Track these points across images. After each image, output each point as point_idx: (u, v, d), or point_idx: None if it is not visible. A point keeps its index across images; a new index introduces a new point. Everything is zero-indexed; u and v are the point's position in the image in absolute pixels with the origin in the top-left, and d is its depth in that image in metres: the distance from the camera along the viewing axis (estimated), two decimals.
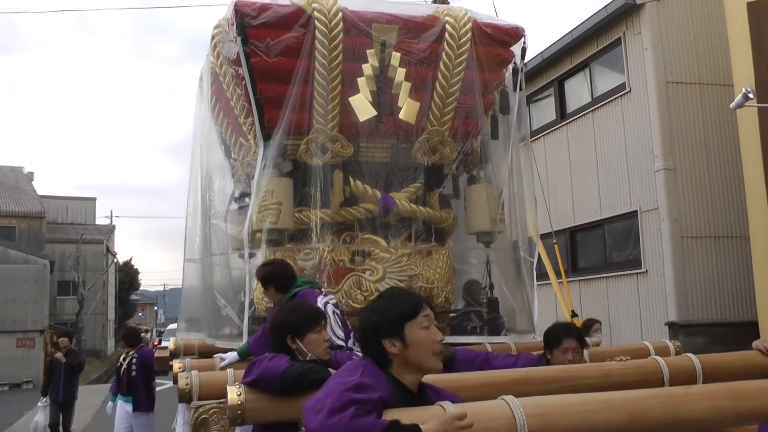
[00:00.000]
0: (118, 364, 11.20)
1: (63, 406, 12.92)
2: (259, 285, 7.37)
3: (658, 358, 4.75)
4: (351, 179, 7.45)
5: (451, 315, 7.85)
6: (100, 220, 55.88)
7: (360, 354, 4.85)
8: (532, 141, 7.90)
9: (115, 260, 55.53)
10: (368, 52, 7.51)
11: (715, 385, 3.67)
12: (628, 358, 4.97)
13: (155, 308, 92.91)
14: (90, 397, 19.93)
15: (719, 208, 13.05)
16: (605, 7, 14.44)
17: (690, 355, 4.86)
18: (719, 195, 13.01)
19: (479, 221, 8.00)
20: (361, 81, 7.45)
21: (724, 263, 12.84)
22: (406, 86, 7.58)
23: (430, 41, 7.63)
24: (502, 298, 7.94)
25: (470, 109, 7.83)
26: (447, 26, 7.66)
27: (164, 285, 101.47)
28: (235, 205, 8.03)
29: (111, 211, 70.21)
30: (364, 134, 7.53)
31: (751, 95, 8.58)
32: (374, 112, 7.46)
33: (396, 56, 7.56)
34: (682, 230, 13.09)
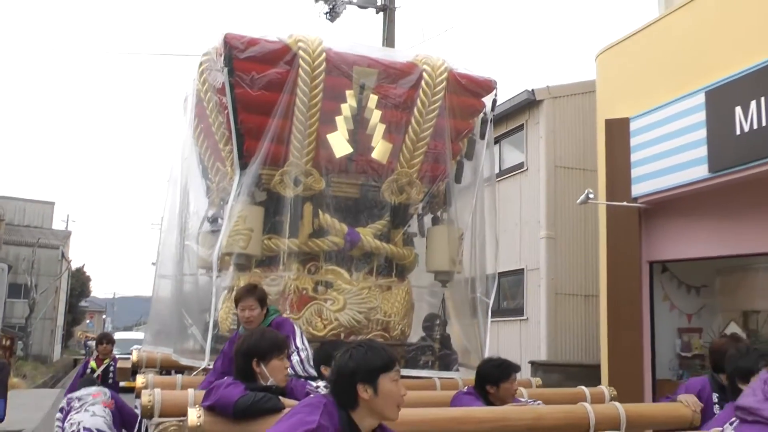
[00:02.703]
0: (88, 369, 10.90)
1: None
2: (224, 306, 7.68)
3: (586, 404, 5.11)
4: (320, 212, 7.75)
5: (407, 348, 8.15)
6: (57, 224, 55.51)
7: (313, 384, 5.16)
8: None
9: (69, 267, 55.05)
10: (347, 92, 7.87)
11: None
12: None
13: (103, 316, 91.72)
14: (40, 399, 20.15)
15: (590, 271, 14.98)
16: (512, 98, 16.77)
17: (616, 403, 5.26)
18: (591, 261, 14.80)
19: (439, 261, 8.36)
20: (338, 119, 7.80)
21: (589, 316, 14.99)
22: (381, 128, 7.94)
23: (406, 87, 8.00)
24: (457, 334, 8.28)
25: (439, 153, 8.21)
26: (424, 74, 8.02)
27: (114, 293, 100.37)
28: (207, 227, 8.28)
29: (68, 216, 69.55)
30: (337, 170, 7.89)
31: (591, 195, 10.67)
32: (351, 149, 7.81)
33: (373, 99, 7.93)
34: (557, 288, 15.63)
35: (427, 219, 8.67)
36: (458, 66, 8.38)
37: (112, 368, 10.71)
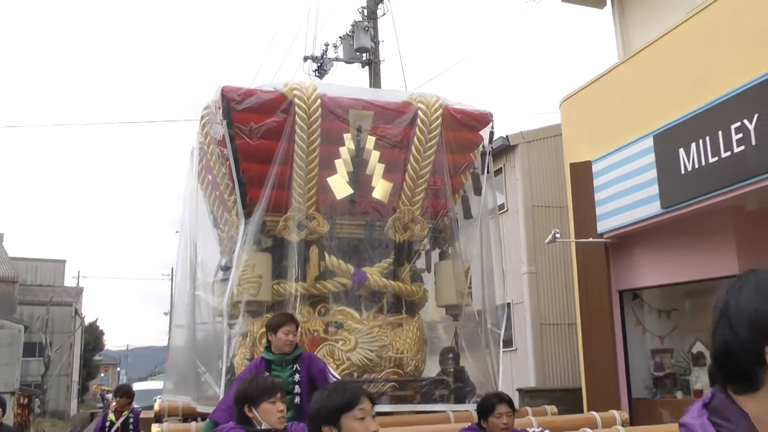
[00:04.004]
0: (107, 423, 10.81)
1: None
2: (240, 352, 7.79)
3: (587, 430, 5.13)
4: (326, 254, 7.86)
5: (422, 383, 8.21)
6: (68, 281, 55.61)
7: None
8: None
9: (82, 322, 55.05)
10: (345, 135, 8.02)
11: None
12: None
13: (117, 369, 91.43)
14: None
15: (571, 301, 15.44)
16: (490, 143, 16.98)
17: (619, 427, 5.30)
18: (571, 292, 15.14)
19: (447, 295, 8.45)
20: (338, 162, 7.95)
21: (573, 344, 15.39)
22: (380, 168, 8.09)
23: (402, 126, 8.16)
24: (470, 367, 8.34)
25: (440, 189, 8.34)
26: (419, 112, 8.17)
27: (127, 345, 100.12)
28: (221, 275, 8.38)
29: (78, 272, 69.67)
30: (340, 213, 8.01)
31: (558, 235, 11.51)
32: (351, 191, 7.96)
33: (371, 140, 8.08)
34: (541, 319, 16.59)
35: (435, 254, 8.76)
36: (453, 102, 8.51)
37: (131, 420, 10.63)
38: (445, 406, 7.78)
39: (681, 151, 10.08)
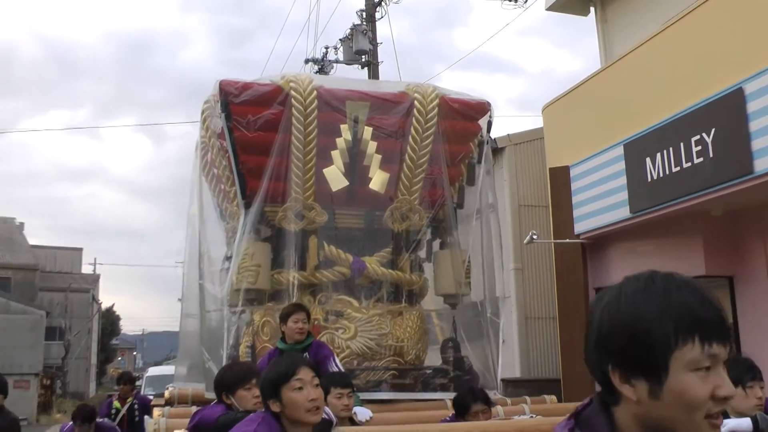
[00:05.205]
0: (113, 410, 10.93)
1: None
2: (244, 341, 7.90)
3: None
4: (325, 244, 7.94)
5: (422, 372, 8.28)
6: (85, 267, 56.28)
7: None
8: None
9: (99, 308, 55.77)
10: (342, 126, 8.07)
11: None
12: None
13: (134, 353, 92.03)
14: None
15: (555, 297, 15.71)
16: (488, 133, 17.36)
17: None
18: (555, 287, 15.74)
19: (445, 284, 8.51)
20: (334, 153, 8.02)
21: (556, 337, 15.72)
22: (377, 158, 8.14)
23: (399, 116, 8.20)
24: (470, 356, 8.40)
25: (438, 179, 8.38)
26: (415, 102, 8.19)
27: (143, 329, 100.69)
28: (227, 264, 8.41)
29: (95, 259, 70.21)
30: (338, 203, 8.07)
31: (535, 236, 12.16)
32: (346, 183, 8.02)
33: (368, 130, 8.13)
34: (527, 313, 16.81)
35: (437, 244, 8.81)
36: (450, 91, 8.53)
37: (136, 406, 10.77)
38: (444, 394, 7.79)
39: (648, 160, 10.48)
